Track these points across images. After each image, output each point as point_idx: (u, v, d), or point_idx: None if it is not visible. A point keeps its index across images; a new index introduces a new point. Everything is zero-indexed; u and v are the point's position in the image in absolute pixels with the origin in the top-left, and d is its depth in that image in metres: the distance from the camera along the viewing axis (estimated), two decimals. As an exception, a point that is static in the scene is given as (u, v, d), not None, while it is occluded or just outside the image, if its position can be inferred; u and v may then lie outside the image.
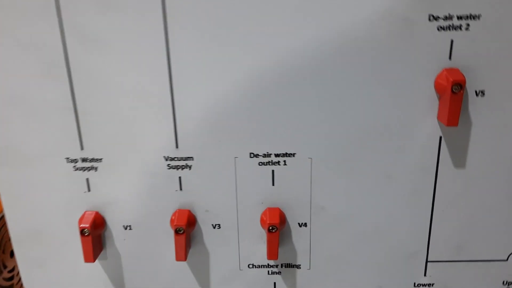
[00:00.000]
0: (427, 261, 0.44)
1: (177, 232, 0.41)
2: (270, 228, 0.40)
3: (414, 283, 0.45)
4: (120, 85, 0.38)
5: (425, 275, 0.44)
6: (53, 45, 0.37)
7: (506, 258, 0.44)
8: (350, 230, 0.43)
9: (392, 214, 0.42)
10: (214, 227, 0.43)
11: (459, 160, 0.40)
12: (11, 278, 0.56)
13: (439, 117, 0.38)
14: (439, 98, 0.38)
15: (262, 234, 0.43)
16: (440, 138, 0.39)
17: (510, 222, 0.42)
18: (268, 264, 0.45)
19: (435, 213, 0.42)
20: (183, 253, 0.42)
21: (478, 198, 0.41)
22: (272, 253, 0.41)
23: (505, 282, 0.45)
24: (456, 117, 0.36)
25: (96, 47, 0.37)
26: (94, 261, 0.42)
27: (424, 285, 0.45)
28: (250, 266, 0.45)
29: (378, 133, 0.39)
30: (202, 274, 0.45)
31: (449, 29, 0.36)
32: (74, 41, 0.37)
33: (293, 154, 0.40)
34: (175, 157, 0.40)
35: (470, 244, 0.43)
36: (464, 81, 0.35)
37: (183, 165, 0.41)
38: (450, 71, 0.36)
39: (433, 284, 0.45)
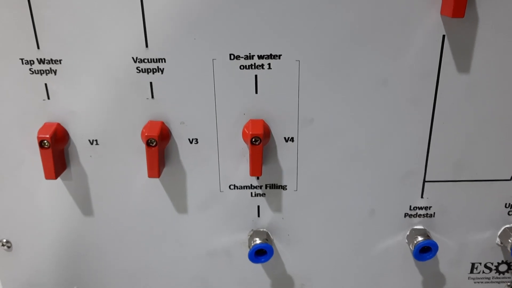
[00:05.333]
0: (424, 181, 0.41)
1: (148, 144, 0.38)
2: (253, 140, 0.38)
3: (410, 206, 0.43)
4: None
5: (422, 196, 0.42)
6: None
7: (510, 178, 0.41)
8: (341, 145, 0.40)
9: (387, 126, 0.39)
10: (191, 142, 0.40)
11: (463, 64, 0.37)
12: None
13: (443, 10, 0.35)
14: (444, -12, 0.34)
15: (245, 150, 0.40)
16: (443, 37, 0.36)
17: (516, 137, 0.39)
18: (251, 185, 0.42)
19: (435, 126, 0.39)
20: (156, 168, 0.39)
21: (482, 108, 0.39)
22: (255, 168, 0.39)
23: (507, 205, 0.42)
24: (463, 5, 0.33)
25: None
26: (56, 178, 0.39)
27: (421, 207, 0.43)
28: (232, 187, 0.42)
29: (372, 31, 0.36)
30: (178, 197, 0.42)
31: None
32: None
33: (279, 56, 0.37)
34: (145, 59, 0.37)
35: (472, 162, 0.41)
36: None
37: (154, 68, 0.37)
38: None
39: (430, 207, 0.43)
